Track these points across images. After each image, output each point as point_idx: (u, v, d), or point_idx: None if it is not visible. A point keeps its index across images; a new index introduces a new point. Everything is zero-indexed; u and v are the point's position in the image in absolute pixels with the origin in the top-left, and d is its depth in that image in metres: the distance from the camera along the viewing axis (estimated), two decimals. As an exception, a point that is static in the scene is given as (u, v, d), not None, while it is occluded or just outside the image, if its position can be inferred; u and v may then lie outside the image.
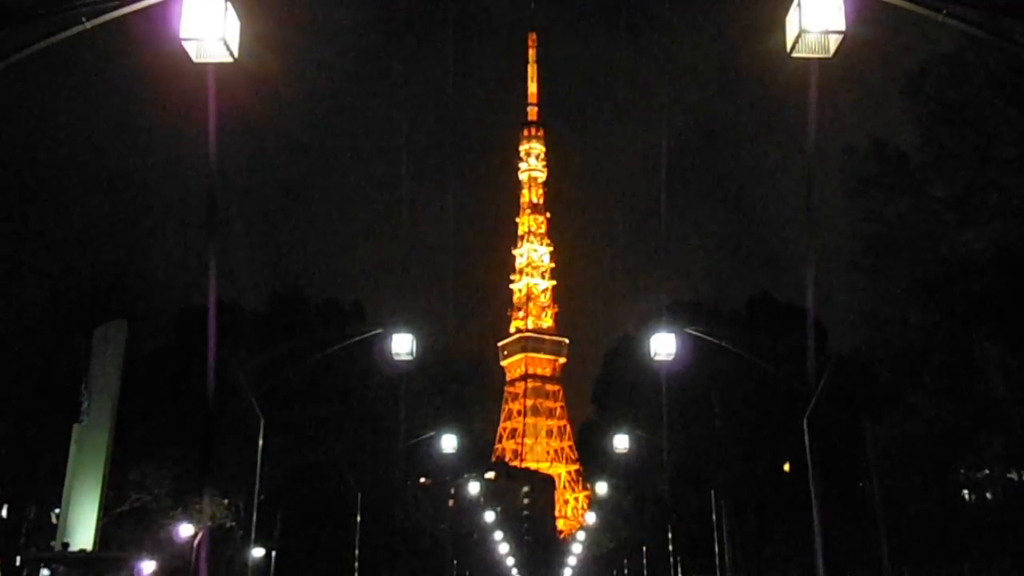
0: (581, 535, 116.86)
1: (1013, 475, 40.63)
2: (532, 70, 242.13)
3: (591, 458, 78.69)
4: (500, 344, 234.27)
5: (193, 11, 10.91)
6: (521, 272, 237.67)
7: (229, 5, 11.03)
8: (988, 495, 43.86)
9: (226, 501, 41.82)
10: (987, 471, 41.77)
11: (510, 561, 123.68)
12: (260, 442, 30.89)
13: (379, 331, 31.86)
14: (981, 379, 33.04)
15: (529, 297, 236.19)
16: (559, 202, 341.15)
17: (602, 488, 71.64)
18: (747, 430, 45.48)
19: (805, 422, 28.00)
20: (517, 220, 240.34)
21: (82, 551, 27.60)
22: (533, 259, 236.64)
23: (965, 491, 44.89)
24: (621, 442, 48.48)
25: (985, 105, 26.01)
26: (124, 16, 11.66)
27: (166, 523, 38.66)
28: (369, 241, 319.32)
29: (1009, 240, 27.52)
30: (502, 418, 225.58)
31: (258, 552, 42.23)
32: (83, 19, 11.42)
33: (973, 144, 26.38)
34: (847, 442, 39.06)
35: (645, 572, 72.43)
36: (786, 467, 47.42)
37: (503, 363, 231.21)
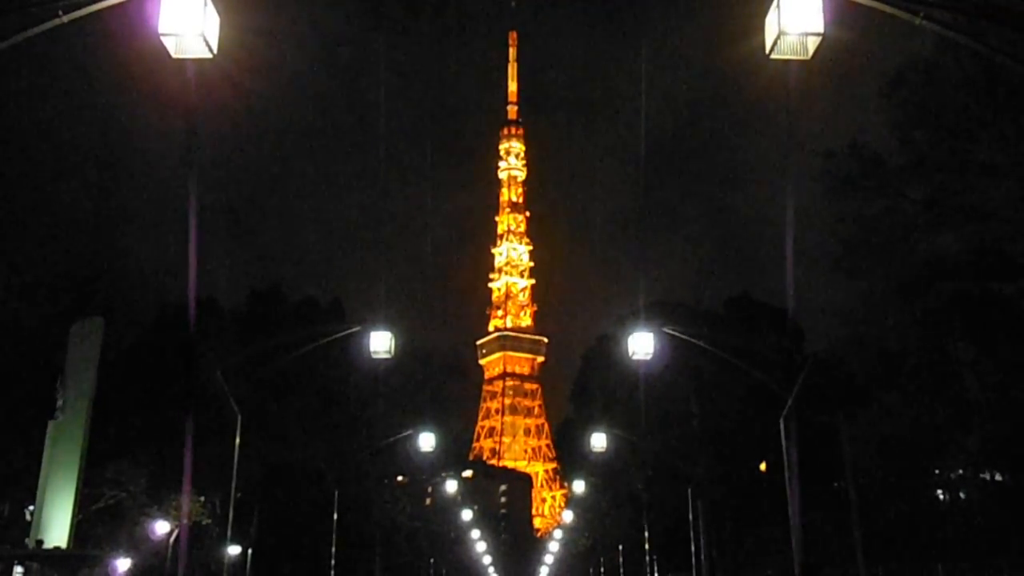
0: (558, 533, 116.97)
1: (986, 475, 40.97)
2: (512, 69, 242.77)
3: (569, 457, 78.74)
4: (479, 343, 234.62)
5: (172, 6, 10.79)
6: (500, 271, 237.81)
7: (208, 0, 10.94)
8: (962, 495, 44.19)
9: (202, 499, 41.62)
10: (961, 471, 42.08)
11: (487, 560, 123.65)
12: (237, 440, 30.73)
13: (357, 329, 31.62)
14: (956, 380, 33.35)
15: (508, 296, 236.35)
16: (539, 201, 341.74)
17: (579, 487, 71.67)
18: (724, 429, 45.67)
19: (782, 421, 28.18)
20: (497, 219, 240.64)
21: (56, 548, 27.36)
22: (512, 258, 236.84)
23: (940, 491, 45.22)
24: (599, 441, 48.48)
25: (961, 109, 26.16)
26: (102, 10, 11.55)
27: (142, 521, 38.48)
28: (348, 239, 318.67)
29: (984, 243, 27.76)
30: (480, 416, 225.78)
31: (234, 550, 42.06)
32: (59, 13, 11.30)
33: (949, 147, 26.53)
34: (823, 442, 39.28)
35: (622, 571, 72.58)
36: (763, 466, 47.63)
37: (482, 361, 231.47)
